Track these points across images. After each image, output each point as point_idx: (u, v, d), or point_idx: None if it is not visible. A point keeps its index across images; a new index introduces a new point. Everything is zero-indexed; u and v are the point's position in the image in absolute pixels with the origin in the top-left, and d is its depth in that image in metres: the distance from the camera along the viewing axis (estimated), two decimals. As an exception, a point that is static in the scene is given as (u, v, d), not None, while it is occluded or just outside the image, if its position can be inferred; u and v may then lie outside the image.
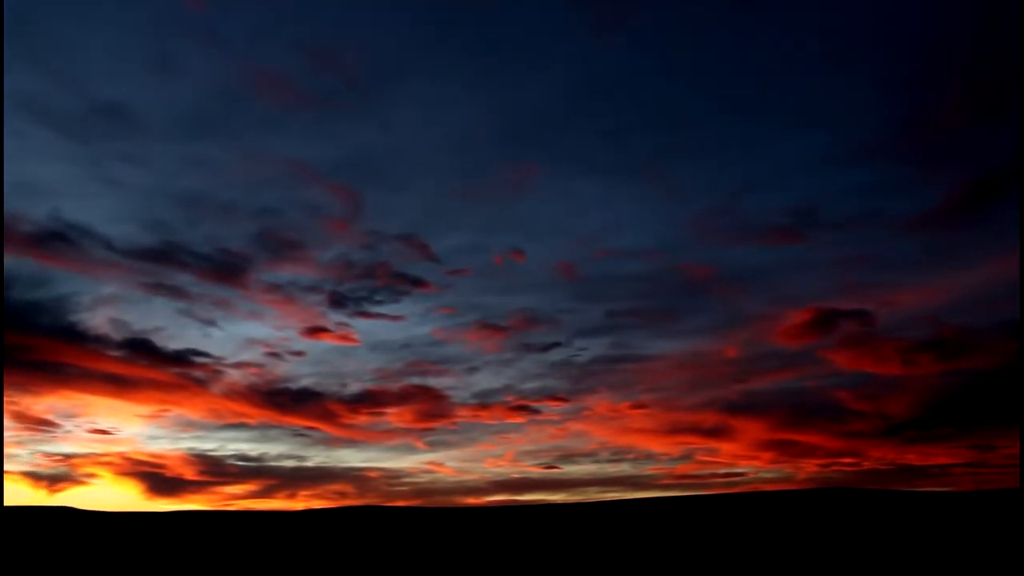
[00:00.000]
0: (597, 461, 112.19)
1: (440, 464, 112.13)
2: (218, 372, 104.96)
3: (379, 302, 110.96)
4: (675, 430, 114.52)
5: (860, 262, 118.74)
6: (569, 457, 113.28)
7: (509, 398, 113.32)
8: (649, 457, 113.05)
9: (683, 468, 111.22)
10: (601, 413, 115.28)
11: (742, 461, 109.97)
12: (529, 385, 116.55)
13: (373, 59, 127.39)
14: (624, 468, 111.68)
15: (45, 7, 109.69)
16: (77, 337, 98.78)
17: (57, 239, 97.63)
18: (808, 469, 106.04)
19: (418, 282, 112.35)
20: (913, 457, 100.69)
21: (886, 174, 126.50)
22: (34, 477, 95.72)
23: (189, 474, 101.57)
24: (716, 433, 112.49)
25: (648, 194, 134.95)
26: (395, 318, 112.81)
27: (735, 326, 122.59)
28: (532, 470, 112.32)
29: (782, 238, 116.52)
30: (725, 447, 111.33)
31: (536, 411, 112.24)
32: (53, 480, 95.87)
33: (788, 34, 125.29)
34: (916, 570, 26.22)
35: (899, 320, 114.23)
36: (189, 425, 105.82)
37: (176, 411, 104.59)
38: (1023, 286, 34.41)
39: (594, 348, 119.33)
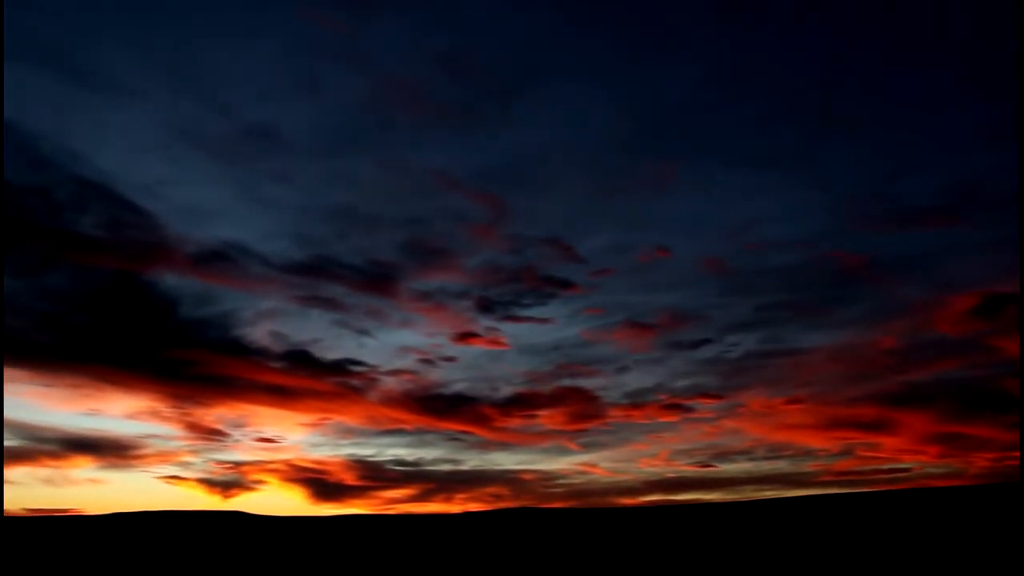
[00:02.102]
0: (753, 458, 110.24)
1: (594, 465, 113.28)
2: (374, 380, 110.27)
3: (527, 305, 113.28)
4: (833, 425, 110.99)
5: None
6: (724, 455, 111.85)
7: (661, 397, 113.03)
8: (807, 453, 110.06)
9: (843, 464, 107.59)
10: (755, 409, 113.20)
11: (906, 456, 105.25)
12: (681, 383, 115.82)
13: (508, 64, 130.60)
14: (781, 465, 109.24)
15: (198, 39, 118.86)
16: (241, 350, 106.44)
17: (218, 258, 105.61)
18: (979, 464, 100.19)
19: (565, 284, 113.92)
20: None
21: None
22: (208, 484, 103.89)
23: (350, 479, 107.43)
24: (877, 427, 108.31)
25: (795, 182, 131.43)
26: (543, 321, 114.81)
27: (893, 315, 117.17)
28: (687, 469, 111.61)
29: (941, 220, 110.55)
30: (887, 441, 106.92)
31: (689, 409, 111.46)
32: (225, 486, 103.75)
33: (939, 7, 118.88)
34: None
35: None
36: (348, 432, 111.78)
37: (336, 419, 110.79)
38: (1023, 293, 33.32)
39: (745, 343, 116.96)
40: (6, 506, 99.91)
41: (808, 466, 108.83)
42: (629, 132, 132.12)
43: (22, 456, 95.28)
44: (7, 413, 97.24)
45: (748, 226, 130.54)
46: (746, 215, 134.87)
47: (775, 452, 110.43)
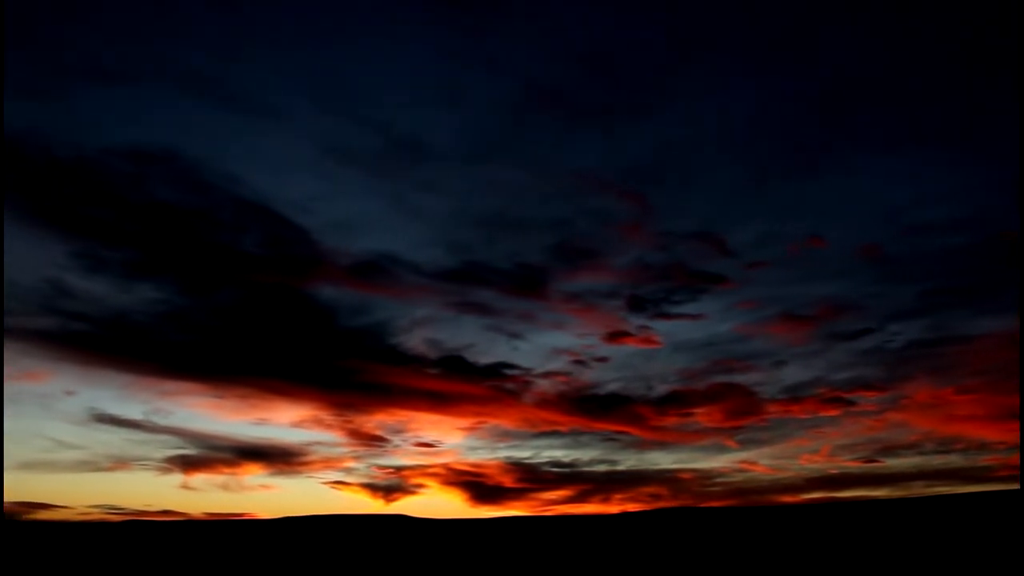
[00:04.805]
0: (921, 453, 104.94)
1: (753, 462, 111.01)
2: (528, 383, 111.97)
3: (678, 302, 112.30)
4: (1009, 415, 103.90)
5: None
6: (890, 449, 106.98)
7: (821, 390, 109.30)
8: (981, 447, 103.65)
9: None
10: (922, 401, 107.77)
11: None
12: (841, 376, 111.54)
13: (648, 59, 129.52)
14: (952, 459, 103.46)
15: (340, 57, 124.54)
16: (398, 358, 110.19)
17: (372, 269, 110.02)
18: None
19: (716, 279, 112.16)
20: None
21: None
22: (371, 488, 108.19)
23: (508, 482, 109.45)
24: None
25: (957, 160, 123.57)
26: (695, 317, 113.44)
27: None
28: (850, 465, 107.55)
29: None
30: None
31: (851, 402, 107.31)
32: (388, 491, 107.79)
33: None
34: None
35: None
36: (505, 435, 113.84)
37: (492, 422, 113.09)
38: (1022, 291, 31.02)
39: (908, 332, 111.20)
40: (189, 511, 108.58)
41: (983, 460, 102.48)
42: (777, 117, 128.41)
43: (200, 464, 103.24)
44: (186, 424, 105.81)
45: (906, 208, 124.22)
46: (903, 197, 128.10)
47: (945, 446, 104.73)
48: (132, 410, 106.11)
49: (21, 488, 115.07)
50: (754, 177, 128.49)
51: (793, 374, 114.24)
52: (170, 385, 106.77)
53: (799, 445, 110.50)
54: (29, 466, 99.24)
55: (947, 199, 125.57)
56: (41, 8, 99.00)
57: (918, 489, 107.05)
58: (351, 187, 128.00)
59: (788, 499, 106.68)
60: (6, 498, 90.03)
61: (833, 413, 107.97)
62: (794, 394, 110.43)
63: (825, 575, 29.95)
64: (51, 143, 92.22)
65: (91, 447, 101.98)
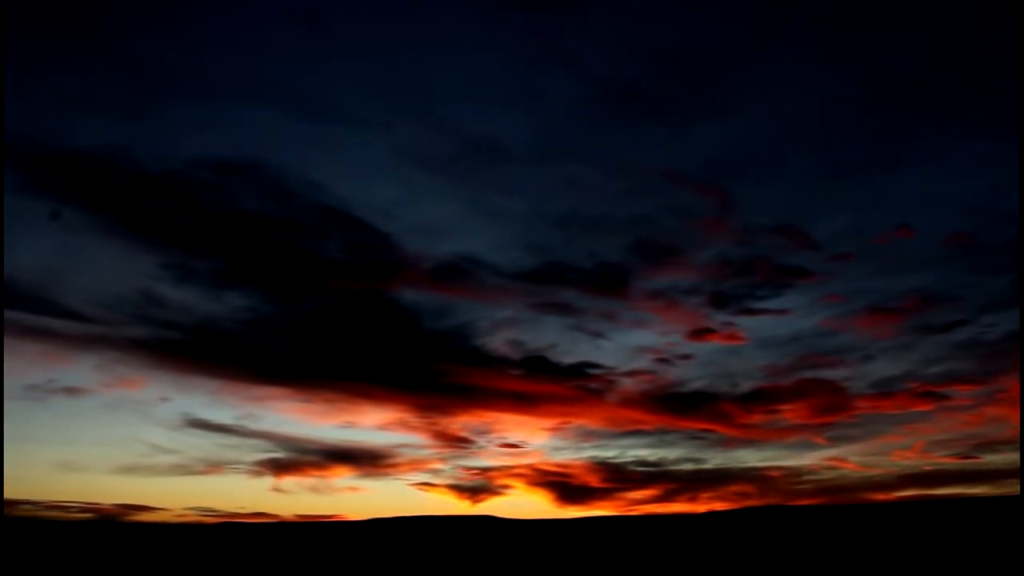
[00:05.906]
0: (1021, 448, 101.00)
1: (843, 459, 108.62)
2: (611, 382, 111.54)
3: (762, 297, 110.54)
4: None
5: None
6: (988, 445, 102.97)
7: (912, 385, 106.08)
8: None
9: None
10: (1020, 394, 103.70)
11: None
12: (933, 369, 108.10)
13: (723, 52, 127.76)
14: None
15: (415, 62, 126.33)
16: (482, 360, 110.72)
17: (453, 272, 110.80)
18: None
19: (800, 272, 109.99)
20: None
21: None
22: (458, 490, 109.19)
23: (594, 482, 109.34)
24: None
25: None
26: (780, 312, 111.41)
27: None
28: (946, 461, 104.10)
29: None
30: None
31: (944, 397, 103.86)
32: (474, 492, 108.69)
33: None
34: None
35: None
36: (590, 435, 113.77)
37: (576, 422, 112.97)
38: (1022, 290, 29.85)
39: (1003, 323, 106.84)
40: (281, 512, 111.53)
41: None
42: (859, 105, 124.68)
43: (290, 467, 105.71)
44: (275, 428, 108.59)
45: (997, 196, 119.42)
46: (993, 184, 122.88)
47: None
48: (223, 415, 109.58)
49: (121, 491, 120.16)
50: (836, 168, 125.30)
51: (882, 368, 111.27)
52: (259, 390, 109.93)
53: (890, 441, 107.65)
54: (128, 470, 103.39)
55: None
56: (129, 26, 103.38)
57: (1019, 486, 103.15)
58: (429, 191, 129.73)
59: (880, 497, 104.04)
60: (108, 500, 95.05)
61: (925, 408, 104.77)
62: (884, 389, 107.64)
63: (922, 574, 29.36)
64: (140, 157, 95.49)
65: (185, 451, 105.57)
